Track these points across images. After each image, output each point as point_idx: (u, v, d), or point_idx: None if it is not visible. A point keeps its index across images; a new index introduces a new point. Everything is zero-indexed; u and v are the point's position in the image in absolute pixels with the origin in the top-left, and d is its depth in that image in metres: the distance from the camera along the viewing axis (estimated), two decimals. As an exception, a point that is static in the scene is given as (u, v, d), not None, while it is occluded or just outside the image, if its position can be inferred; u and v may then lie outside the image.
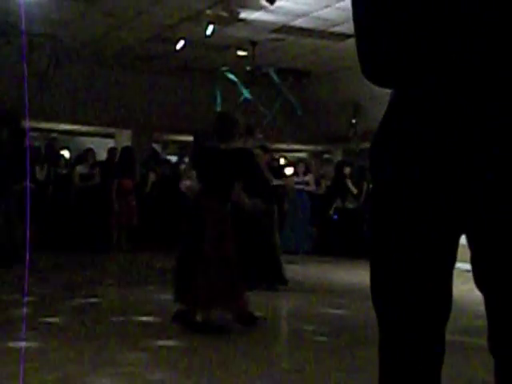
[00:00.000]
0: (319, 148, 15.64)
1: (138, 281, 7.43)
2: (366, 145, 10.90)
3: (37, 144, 13.22)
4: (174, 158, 13.90)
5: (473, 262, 1.53)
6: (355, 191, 11.49)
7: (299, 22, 9.90)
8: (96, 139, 14.32)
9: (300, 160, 13.05)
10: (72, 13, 9.65)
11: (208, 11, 9.41)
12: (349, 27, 9.36)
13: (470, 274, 1.56)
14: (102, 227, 10.55)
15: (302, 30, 10.26)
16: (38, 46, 10.38)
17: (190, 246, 4.77)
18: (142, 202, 11.10)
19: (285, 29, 10.25)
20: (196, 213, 4.85)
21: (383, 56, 1.50)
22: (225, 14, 9.52)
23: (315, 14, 9.46)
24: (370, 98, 10.35)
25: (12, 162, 7.89)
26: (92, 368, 3.74)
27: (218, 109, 10.96)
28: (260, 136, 7.28)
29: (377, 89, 1.64)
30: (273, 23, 10.01)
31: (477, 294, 1.58)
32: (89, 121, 13.02)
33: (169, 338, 4.60)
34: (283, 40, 10.88)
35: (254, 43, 11.01)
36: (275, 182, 7.52)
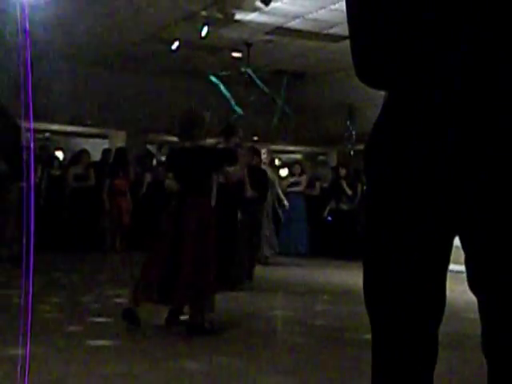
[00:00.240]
0: (314, 150, 15.66)
1: (126, 281, 7.41)
2: (361, 146, 10.93)
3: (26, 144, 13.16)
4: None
5: (466, 263, 1.54)
6: (350, 192, 11.50)
7: (294, 24, 9.91)
8: (90, 140, 14.30)
9: (296, 162, 13.07)
10: (69, 13, 9.63)
11: (203, 12, 9.41)
12: (344, 29, 9.37)
13: (463, 276, 1.57)
14: (95, 228, 10.53)
15: (296, 32, 10.27)
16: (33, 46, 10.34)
17: (168, 246, 4.78)
18: (137, 202, 11.09)
19: (280, 30, 10.26)
20: (176, 212, 4.88)
21: (376, 57, 1.50)
22: (220, 15, 9.53)
23: (310, 15, 9.47)
24: (365, 99, 10.35)
25: (8, 160, 7.83)
26: (86, 370, 3.73)
27: (237, 110, 10.96)
28: (241, 135, 7.27)
29: (372, 90, 1.64)
30: (268, 25, 10.02)
31: (470, 296, 1.58)
32: (83, 122, 13.00)
33: (164, 337, 4.60)
34: (278, 41, 10.88)
35: (248, 44, 11.02)
36: (249, 194, 7.40)
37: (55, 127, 13.62)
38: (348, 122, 13.16)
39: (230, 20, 9.77)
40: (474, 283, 1.53)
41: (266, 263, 9.64)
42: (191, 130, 4.91)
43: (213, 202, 5.20)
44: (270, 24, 9.98)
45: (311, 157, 16.00)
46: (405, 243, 1.51)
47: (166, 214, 4.97)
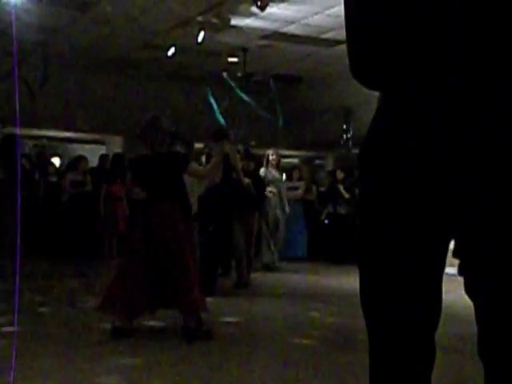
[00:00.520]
0: (310, 154, 15.67)
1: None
2: (358, 150, 10.87)
3: (27, 151, 13.17)
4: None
5: (462, 268, 1.53)
6: (347, 196, 11.50)
7: (290, 29, 9.93)
8: (87, 146, 14.29)
9: (294, 166, 13.07)
10: (63, 20, 9.64)
11: (199, 18, 9.42)
12: (339, 33, 9.39)
13: (460, 279, 1.57)
14: (92, 234, 10.51)
15: (292, 37, 10.29)
16: (29, 53, 10.35)
17: (141, 257, 4.80)
18: (133, 208, 11.06)
19: (276, 35, 10.28)
20: (143, 218, 4.91)
21: (372, 57, 1.50)
22: (215, 20, 9.54)
23: (306, 20, 9.49)
24: (362, 103, 10.37)
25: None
26: (83, 376, 3.73)
27: (218, 117, 10.96)
28: (232, 139, 7.33)
29: (368, 94, 1.65)
30: (264, 30, 10.03)
31: (466, 300, 1.58)
32: (80, 127, 12.99)
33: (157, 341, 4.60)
34: (274, 46, 10.90)
35: (245, 49, 11.03)
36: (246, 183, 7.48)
37: (52, 133, 13.61)
38: (344, 126, 13.18)
39: (225, 25, 9.79)
40: (469, 287, 1.53)
41: (270, 269, 9.60)
42: (150, 136, 4.94)
43: (194, 207, 5.23)
44: (266, 29, 10.00)
45: (308, 161, 16.01)
46: (400, 247, 1.51)
47: (134, 225, 5.04)
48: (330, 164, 15.08)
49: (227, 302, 6.60)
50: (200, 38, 9.87)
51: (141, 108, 12.95)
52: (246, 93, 11.04)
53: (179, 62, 11.52)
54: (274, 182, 9.70)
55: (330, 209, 11.70)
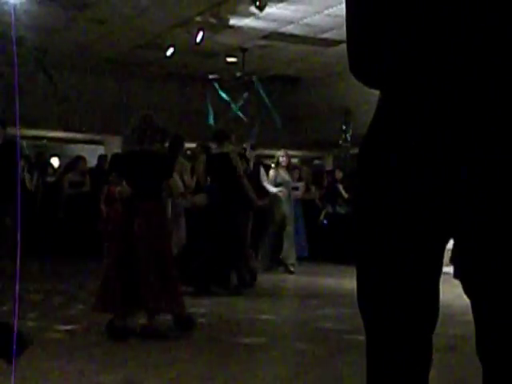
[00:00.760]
0: (310, 154, 15.68)
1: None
2: (357, 150, 10.88)
3: (27, 152, 13.17)
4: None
5: (460, 267, 1.54)
6: (346, 196, 11.50)
7: (289, 29, 9.94)
8: (86, 146, 14.29)
9: (295, 167, 13.06)
10: (62, 20, 9.64)
11: (198, 18, 9.43)
12: (338, 33, 9.40)
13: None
14: (92, 233, 10.50)
15: (291, 37, 10.30)
16: (27, 53, 10.35)
17: (124, 252, 4.79)
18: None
19: (274, 35, 10.28)
20: (127, 217, 4.88)
21: (371, 55, 1.50)
22: (214, 20, 9.55)
23: (305, 20, 9.50)
24: (361, 103, 10.38)
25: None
26: (82, 377, 3.73)
27: (211, 121, 10.97)
28: (233, 140, 7.35)
29: (367, 94, 1.65)
30: (262, 30, 10.04)
31: (464, 300, 1.58)
32: (78, 128, 12.99)
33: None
34: (273, 46, 10.91)
35: (243, 50, 11.04)
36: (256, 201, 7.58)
37: (51, 134, 13.61)
38: (343, 126, 13.19)
39: (224, 25, 9.80)
40: (467, 287, 1.53)
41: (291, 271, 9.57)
42: (142, 134, 4.93)
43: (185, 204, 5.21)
44: (265, 29, 10.00)
45: (307, 161, 16.02)
46: (398, 247, 1.51)
47: (115, 222, 5.02)
48: (329, 164, 15.10)
49: (227, 302, 6.60)
50: (199, 38, 9.88)
51: (139, 108, 12.97)
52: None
53: (178, 62, 11.52)
54: (284, 183, 9.62)
55: (330, 209, 11.69)
